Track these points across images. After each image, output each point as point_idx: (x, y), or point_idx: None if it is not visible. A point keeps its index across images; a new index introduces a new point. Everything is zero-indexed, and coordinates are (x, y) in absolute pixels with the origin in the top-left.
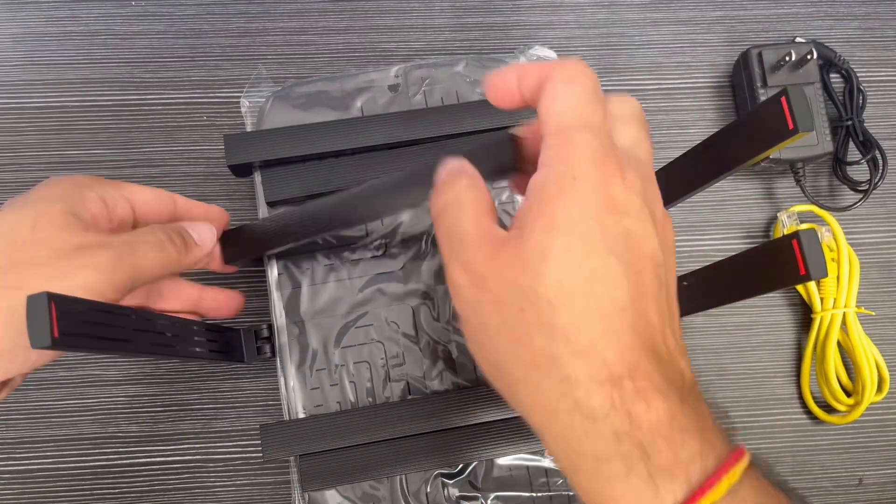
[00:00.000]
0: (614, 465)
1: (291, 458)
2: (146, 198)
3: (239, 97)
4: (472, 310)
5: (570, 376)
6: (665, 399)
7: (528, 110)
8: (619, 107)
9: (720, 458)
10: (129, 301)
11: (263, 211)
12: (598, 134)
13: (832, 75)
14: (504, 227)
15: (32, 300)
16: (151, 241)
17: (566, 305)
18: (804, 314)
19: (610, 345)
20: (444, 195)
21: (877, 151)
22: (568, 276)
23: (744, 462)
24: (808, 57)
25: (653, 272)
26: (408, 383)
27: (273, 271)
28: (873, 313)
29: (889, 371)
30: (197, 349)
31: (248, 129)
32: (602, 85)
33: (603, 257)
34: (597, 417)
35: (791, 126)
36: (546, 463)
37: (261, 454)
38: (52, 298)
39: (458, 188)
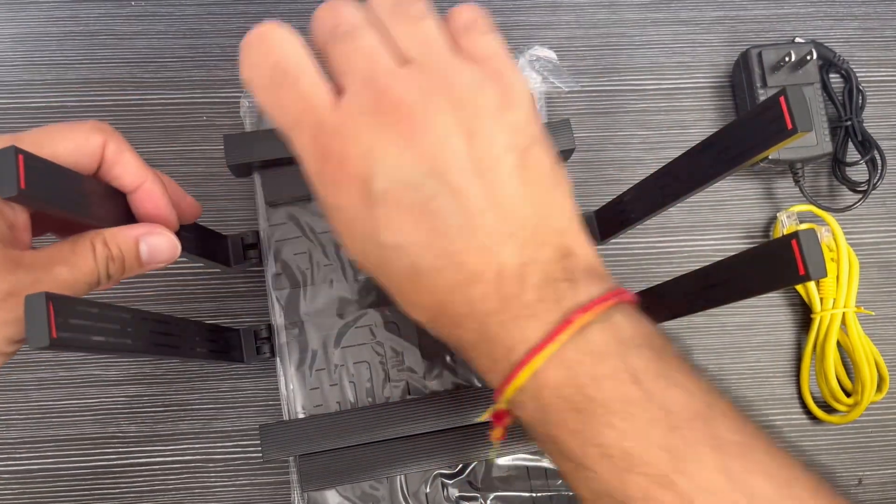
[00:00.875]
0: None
1: (291, 458)
2: (61, 158)
3: (239, 97)
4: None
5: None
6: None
7: None
8: None
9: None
10: None
11: (263, 211)
12: None
13: (832, 75)
14: None
15: (30, 300)
16: (87, 274)
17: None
18: (804, 314)
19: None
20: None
21: (876, 152)
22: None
23: (630, 300)
24: (808, 57)
25: None
26: (407, 383)
27: (272, 271)
28: (873, 313)
29: (889, 371)
30: (197, 349)
31: (248, 129)
32: (602, 85)
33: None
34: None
35: (790, 126)
36: (545, 463)
37: (261, 454)
38: (50, 299)
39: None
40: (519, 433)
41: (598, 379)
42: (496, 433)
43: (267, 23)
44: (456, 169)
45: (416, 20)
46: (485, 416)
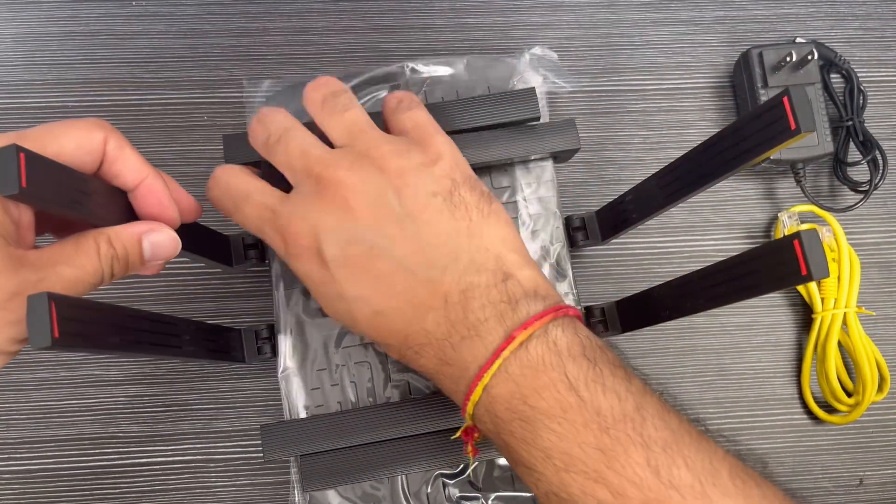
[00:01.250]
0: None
1: (292, 458)
2: (65, 155)
3: (239, 97)
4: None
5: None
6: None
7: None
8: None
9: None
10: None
11: None
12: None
13: (833, 75)
14: None
15: (32, 300)
16: (91, 274)
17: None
18: (805, 314)
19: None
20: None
21: (877, 152)
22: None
23: (570, 314)
24: (809, 57)
25: None
26: (408, 383)
27: (274, 271)
28: (874, 313)
29: (890, 371)
30: (197, 349)
31: None
32: (602, 85)
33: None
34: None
35: (793, 126)
36: None
37: (261, 454)
38: (53, 298)
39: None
40: None
41: (538, 389)
42: (467, 449)
43: (219, 167)
44: (389, 219)
45: (342, 112)
46: (458, 435)
